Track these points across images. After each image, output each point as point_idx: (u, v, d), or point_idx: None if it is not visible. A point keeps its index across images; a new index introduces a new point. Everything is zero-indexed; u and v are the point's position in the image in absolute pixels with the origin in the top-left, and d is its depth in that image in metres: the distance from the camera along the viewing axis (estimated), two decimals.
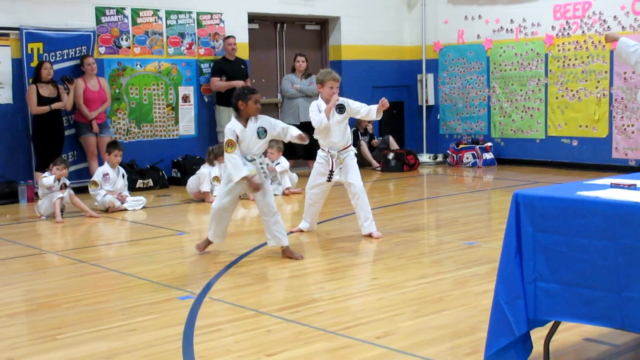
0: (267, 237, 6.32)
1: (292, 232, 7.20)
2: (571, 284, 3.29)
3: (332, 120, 6.86)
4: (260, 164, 6.22)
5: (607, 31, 7.63)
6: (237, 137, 6.10)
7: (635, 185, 3.55)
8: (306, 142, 6.40)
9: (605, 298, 3.19)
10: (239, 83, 11.10)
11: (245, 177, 6.03)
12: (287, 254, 6.25)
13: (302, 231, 7.32)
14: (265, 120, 6.26)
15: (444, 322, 4.46)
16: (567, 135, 12.23)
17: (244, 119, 6.17)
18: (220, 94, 11.38)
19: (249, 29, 12.22)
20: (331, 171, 6.92)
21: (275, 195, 9.84)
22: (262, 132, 6.19)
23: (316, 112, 6.91)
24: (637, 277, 3.09)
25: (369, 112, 6.89)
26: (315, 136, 7.04)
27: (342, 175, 6.95)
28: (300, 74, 11.79)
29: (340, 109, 6.87)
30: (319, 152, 7.06)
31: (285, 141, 6.54)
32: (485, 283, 5.25)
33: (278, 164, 10.20)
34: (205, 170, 9.58)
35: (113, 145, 9.23)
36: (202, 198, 9.49)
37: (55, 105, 9.79)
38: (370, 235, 6.96)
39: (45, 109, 9.70)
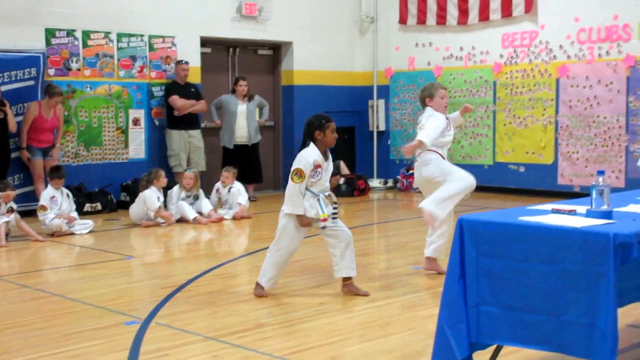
0: (340, 266, 5.70)
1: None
2: (512, 307, 3.34)
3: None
4: (332, 199, 5.72)
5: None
6: (320, 167, 5.56)
7: (575, 210, 3.64)
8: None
9: (545, 322, 3.25)
10: (198, 104, 11.41)
11: (302, 215, 5.55)
12: (351, 288, 5.75)
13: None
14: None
15: (390, 346, 4.48)
16: (514, 161, 12.43)
17: (321, 150, 5.62)
18: (171, 117, 11.34)
19: (202, 53, 12.21)
20: None
21: (225, 219, 9.83)
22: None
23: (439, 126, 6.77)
24: (576, 301, 3.16)
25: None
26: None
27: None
28: (242, 97, 11.84)
29: None
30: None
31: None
32: (432, 307, 5.28)
33: (232, 187, 10.13)
34: (148, 192, 9.46)
35: (56, 171, 9.09)
36: (151, 225, 9.37)
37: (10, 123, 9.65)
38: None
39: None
